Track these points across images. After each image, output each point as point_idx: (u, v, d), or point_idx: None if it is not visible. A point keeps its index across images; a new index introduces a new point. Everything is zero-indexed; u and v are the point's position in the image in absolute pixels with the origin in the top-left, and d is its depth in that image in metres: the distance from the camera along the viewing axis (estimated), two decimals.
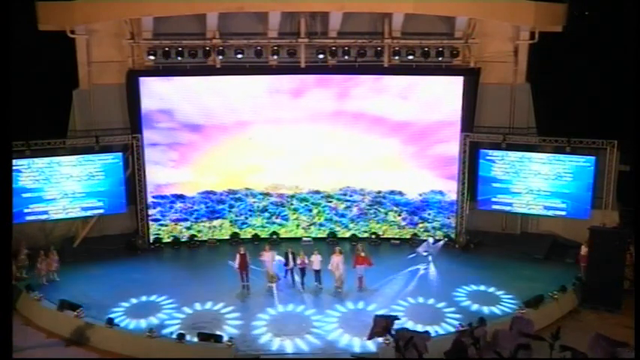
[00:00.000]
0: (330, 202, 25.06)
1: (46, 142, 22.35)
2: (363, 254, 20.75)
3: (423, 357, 4.29)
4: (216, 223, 24.87)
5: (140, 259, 23.19)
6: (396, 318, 5.11)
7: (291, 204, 25.05)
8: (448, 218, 24.80)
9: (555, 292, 19.77)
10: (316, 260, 20.70)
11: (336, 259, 20.42)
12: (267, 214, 25.04)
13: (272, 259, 20.90)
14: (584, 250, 21.23)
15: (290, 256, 20.95)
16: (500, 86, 24.24)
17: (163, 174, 24.34)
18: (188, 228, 24.75)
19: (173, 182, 24.51)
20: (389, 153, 24.48)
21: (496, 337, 4.36)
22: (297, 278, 20.83)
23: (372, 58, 23.65)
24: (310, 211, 25.11)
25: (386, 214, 25.02)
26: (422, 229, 24.93)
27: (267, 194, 24.93)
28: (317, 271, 20.73)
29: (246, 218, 25.00)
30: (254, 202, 24.92)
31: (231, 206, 24.87)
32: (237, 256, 20.63)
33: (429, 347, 4.48)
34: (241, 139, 24.23)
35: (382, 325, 4.44)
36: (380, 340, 15.68)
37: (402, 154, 24.49)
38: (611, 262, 19.45)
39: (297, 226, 25.17)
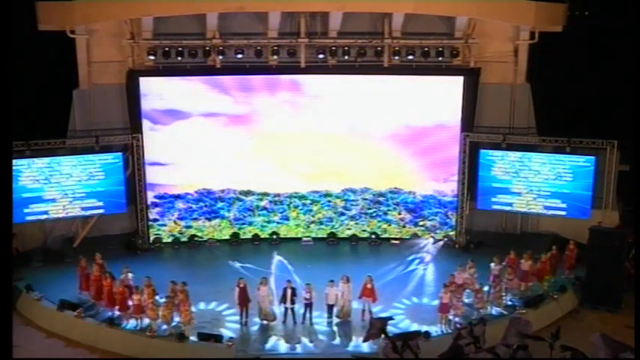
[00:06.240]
0: (330, 201, 25.04)
1: (46, 142, 22.32)
2: (369, 286, 18.72)
3: (419, 357, 4.31)
4: (215, 222, 24.86)
5: (140, 259, 23.15)
6: (390, 318, 5.15)
7: (292, 203, 25.03)
8: (448, 218, 24.79)
9: (555, 292, 19.77)
10: (332, 294, 18.47)
11: (344, 287, 18.60)
12: (267, 214, 25.02)
13: (268, 295, 18.50)
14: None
15: (289, 291, 18.44)
16: (500, 86, 24.24)
17: (163, 173, 24.31)
18: (188, 227, 24.75)
19: (172, 182, 24.49)
20: (389, 153, 24.45)
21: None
22: (295, 317, 18.51)
23: (372, 58, 23.65)
24: (310, 210, 25.11)
25: (386, 213, 24.99)
26: (422, 229, 24.92)
27: (267, 194, 24.89)
28: (331, 306, 18.56)
29: (246, 218, 24.98)
30: (254, 201, 24.89)
31: (230, 206, 24.84)
32: (237, 289, 18.37)
33: (429, 347, 4.49)
34: (241, 139, 24.24)
35: (377, 326, 4.46)
36: (380, 340, 15.69)
37: (402, 153, 24.46)
38: (611, 262, 19.46)
39: (297, 225, 25.14)
